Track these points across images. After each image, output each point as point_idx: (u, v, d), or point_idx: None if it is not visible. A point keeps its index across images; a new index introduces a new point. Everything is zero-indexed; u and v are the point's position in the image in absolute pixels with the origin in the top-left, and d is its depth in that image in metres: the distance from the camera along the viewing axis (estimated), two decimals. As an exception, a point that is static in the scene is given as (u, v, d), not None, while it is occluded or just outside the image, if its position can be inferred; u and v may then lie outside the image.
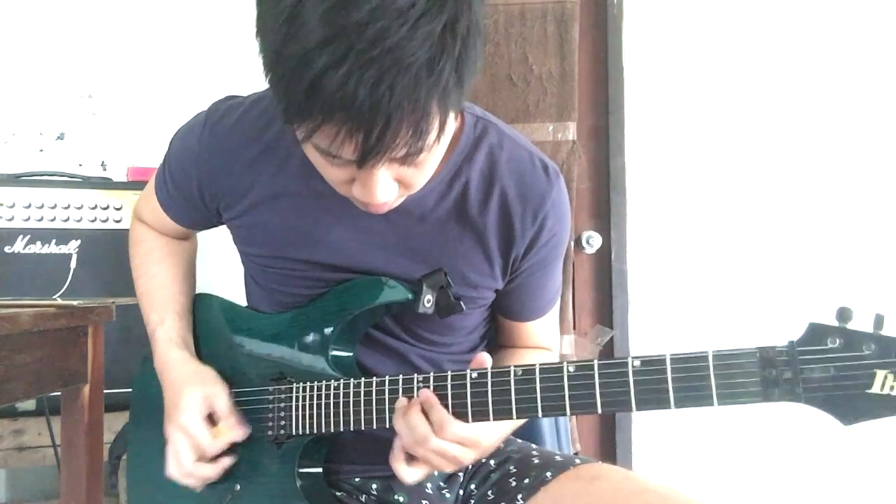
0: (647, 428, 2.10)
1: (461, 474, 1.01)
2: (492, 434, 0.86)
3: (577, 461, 0.95)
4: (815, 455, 2.07)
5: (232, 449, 0.93)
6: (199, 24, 2.01)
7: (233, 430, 0.92)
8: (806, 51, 2.09)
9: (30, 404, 1.60)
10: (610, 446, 2.18)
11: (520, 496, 0.91)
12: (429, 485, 0.98)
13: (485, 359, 0.82)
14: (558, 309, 1.08)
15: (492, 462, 1.00)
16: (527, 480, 0.93)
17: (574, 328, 2.12)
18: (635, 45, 2.10)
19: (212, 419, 0.93)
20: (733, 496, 2.07)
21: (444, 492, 0.99)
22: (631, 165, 2.10)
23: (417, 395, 0.81)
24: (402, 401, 0.82)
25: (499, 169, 0.91)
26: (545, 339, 1.06)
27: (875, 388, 0.64)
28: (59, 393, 1.21)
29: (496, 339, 1.08)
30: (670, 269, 2.10)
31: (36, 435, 1.59)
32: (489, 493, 0.96)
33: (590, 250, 2.16)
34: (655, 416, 2.10)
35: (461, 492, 1.00)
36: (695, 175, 2.10)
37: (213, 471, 0.92)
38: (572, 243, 2.11)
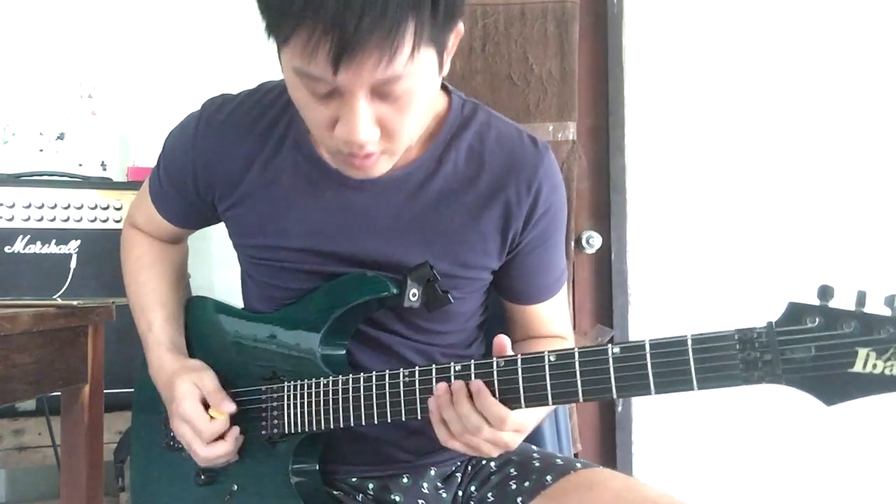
0: (647, 427, 2.10)
1: (459, 475, 1.01)
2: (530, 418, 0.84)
3: (578, 465, 0.94)
4: (816, 453, 2.07)
5: (235, 420, 0.94)
6: (199, 25, 2.01)
7: (221, 406, 0.92)
8: (803, 50, 2.08)
9: (30, 404, 1.60)
10: (610, 445, 2.17)
11: (519, 499, 0.91)
12: (425, 485, 0.98)
13: (505, 343, 0.80)
14: (566, 296, 1.06)
15: (493, 464, 1.00)
16: (527, 483, 0.93)
17: (574, 328, 2.11)
18: (636, 45, 2.10)
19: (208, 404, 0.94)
20: (733, 495, 2.07)
21: (440, 492, 0.99)
22: (631, 165, 2.10)
23: (452, 384, 0.78)
24: (442, 387, 0.78)
25: (488, 145, 0.92)
26: (558, 327, 1.04)
27: (857, 367, 0.61)
28: (59, 393, 1.21)
29: (509, 336, 1.07)
30: (670, 269, 2.09)
31: (36, 435, 1.60)
32: (489, 495, 0.96)
33: (590, 250, 2.16)
34: (655, 415, 2.10)
35: (460, 493, 1.00)
36: (695, 175, 2.09)
37: (231, 445, 0.92)
38: (573, 243, 2.11)
